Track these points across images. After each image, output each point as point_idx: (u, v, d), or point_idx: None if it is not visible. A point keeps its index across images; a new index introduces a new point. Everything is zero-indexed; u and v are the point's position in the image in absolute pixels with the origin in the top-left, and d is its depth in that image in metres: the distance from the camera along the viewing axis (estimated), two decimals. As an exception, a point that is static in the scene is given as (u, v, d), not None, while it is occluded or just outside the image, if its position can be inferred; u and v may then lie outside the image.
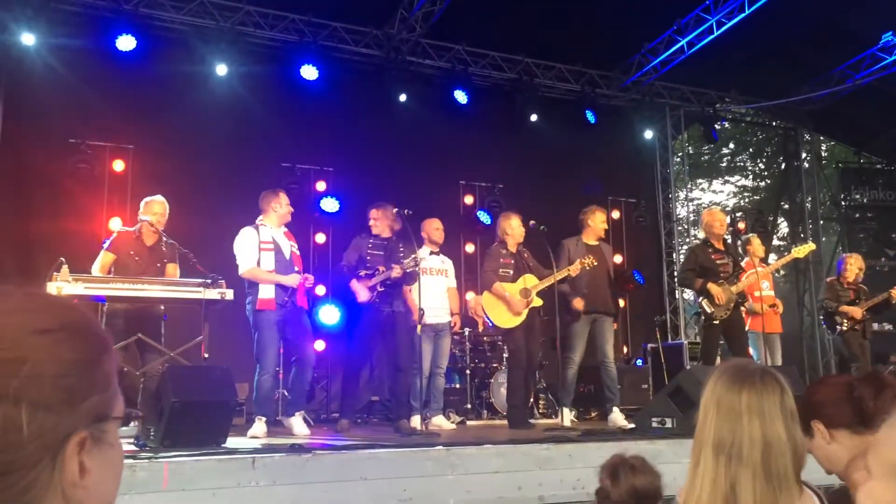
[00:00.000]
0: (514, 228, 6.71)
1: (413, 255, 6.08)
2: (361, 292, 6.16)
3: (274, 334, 5.64)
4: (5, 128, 8.07)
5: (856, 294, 8.11)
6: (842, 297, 8.03)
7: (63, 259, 5.04)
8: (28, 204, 8.08)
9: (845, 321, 7.95)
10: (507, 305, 6.48)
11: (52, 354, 0.74)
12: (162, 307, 5.70)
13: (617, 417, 6.67)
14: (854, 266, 8.14)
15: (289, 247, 5.92)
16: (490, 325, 6.90)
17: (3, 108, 8.10)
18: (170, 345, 5.51)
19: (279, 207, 5.91)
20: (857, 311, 7.90)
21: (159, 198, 6.07)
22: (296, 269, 5.84)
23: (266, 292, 5.63)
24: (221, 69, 8.66)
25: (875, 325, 8.20)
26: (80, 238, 7.69)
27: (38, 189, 8.12)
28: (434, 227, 6.77)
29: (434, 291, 6.43)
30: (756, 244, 7.84)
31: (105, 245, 5.94)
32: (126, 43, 8.11)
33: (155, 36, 8.48)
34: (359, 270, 6.26)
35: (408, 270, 6.12)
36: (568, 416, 6.73)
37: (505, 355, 7.82)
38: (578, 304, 6.66)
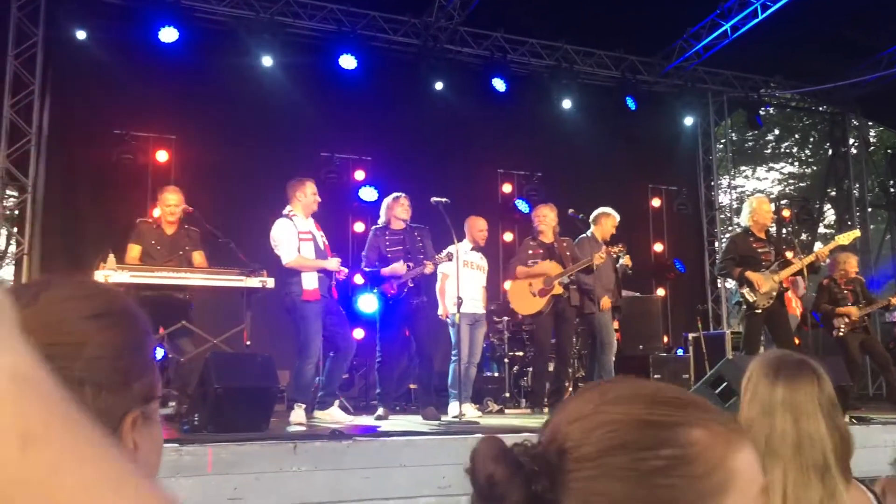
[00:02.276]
0: (541, 219, 6.79)
1: (446, 251, 6.08)
2: (398, 268, 6.02)
3: (319, 325, 5.62)
4: (53, 120, 8.28)
5: (853, 293, 7.81)
6: (839, 299, 7.77)
7: (110, 249, 5.16)
8: (75, 194, 8.27)
9: (843, 324, 7.69)
10: (532, 284, 6.60)
11: (107, 338, 0.78)
12: (186, 295, 5.74)
13: None
14: (848, 265, 7.87)
15: (320, 237, 5.89)
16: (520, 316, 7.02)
17: (51, 101, 8.30)
18: (211, 332, 5.59)
19: (303, 197, 5.82)
20: (853, 311, 7.63)
21: (171, 188, 6.11)
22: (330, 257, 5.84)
23: (310, 283, 5.57)
24: (267, 60, 8.74)
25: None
26: (126, 227, 7.82)
27: (84, 180, 8.31)
28: (479, 229, 6.76)
29: (472, 284, 6.45)
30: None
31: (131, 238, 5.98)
32: (168, 35, 8.25)
33: (196, 27, 8.59)
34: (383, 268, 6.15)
35: (439, 265, 6.15)
36: None
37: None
38: (606, 303, 6.87)
